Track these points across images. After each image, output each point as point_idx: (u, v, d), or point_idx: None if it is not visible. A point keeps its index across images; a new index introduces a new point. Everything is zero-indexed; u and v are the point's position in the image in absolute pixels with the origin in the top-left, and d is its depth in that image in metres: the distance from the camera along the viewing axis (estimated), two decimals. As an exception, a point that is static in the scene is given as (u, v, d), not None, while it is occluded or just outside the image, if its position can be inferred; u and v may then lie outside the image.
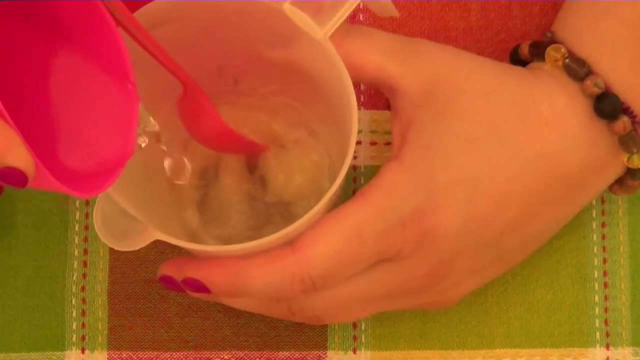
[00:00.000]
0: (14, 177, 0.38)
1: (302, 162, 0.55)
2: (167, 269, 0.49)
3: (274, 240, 0.46)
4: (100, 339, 0.56)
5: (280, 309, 0.51)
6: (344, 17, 0.47)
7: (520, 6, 0.58)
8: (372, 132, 0.57)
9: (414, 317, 0.56)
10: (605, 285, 0.57)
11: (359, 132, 0.57)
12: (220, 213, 0.55)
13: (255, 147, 0.54)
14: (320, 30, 0.47)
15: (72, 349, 0.56)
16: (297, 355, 0.56)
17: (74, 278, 0.57)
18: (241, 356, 0.56)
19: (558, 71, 0.49)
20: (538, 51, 0.51)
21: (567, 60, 0.49)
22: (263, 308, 0.51)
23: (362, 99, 0.58)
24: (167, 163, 0.51)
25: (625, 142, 0.49)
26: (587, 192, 0.51)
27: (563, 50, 0.49)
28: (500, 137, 0.48)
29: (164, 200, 0.55)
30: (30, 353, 0.56)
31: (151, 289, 0.56)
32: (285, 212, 0.55)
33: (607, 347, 0.56)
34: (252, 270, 0.47)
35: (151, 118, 0.46)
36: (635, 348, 0.56)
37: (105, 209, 0.46)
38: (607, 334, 0.56)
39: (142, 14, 0.47)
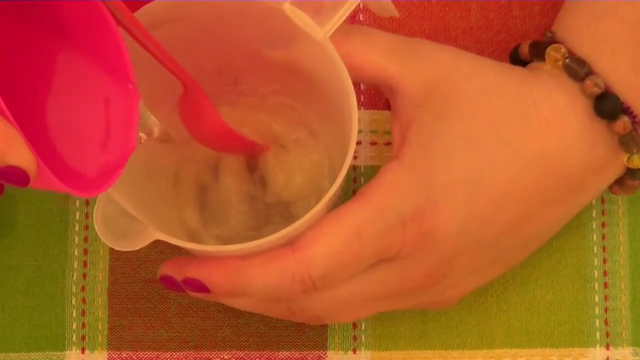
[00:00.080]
0: (15, 176, 0.38)
1: (302, 162, 0.55)
2: (167, 269, 0.49)
3: (274, 241, 0.46)
4: (100, 339, 0.56)
5: (280, 309, 0.51)
6: (344, 17, 0.47)
7: (520, 6, 0.58)
8: (372, 132, 0.57)
9: (414, 317, 0.56)
10: (605, 285, 0.57)
11: (359, 132, 0.57)
12: (220, 213, 0.55)
13: (255, 147, 0.54)
14: (320, 30, 0.47)
15: (72, 349, 0.56)
16: (297, 355, 0.56)
17: (74, 278, 0.57)
18: (241, 356, 0.56)
19: (558, 71, 0.49)
20: (538, 51, 0.51)
21: (567, 60, 0.49)
22: (263, 308, 0.51)
23: (362, 98, 0.58)
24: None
25: (625, 142, 0.49)
26: (587, 192, 0.51)
27: (563, 50, 0.49)
28: (500, 137, 0.48)
29: (164, 200, 0.55)
30: (30, 353, 0.56)
31: (151, 289, 0.56)
32: (285, 212, 0.55)
33: (607, 347, 0.56)
34: (252, 270, 0.47)
35: (152, 116, 0.46)
36: (635, 348, 0.56)
37: (105, 209, 0.46)
38: (607, 334, 0.56)
39: (142, 14, 0.47)
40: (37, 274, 0.57)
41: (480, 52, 0.57)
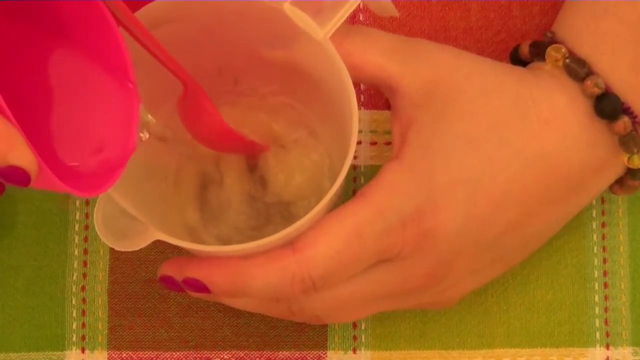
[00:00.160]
0: (16, 176, 0.38)
1: (302, 162, 0.55)
2: (168, 269, 0.49)
3: (275, 241, 0.46)
4: (100, 339, 0.56)
5: (281, 309, 0.51)
6: (345, 18, 0.47)
7: (520, 6, 0.58)
8: (372, 132, 0.57)
9: (414, 317, 0.56)
10: (605, 285, 0.57)
11: (359, 132, 0.56)
12: (220, 213, 0.55)
13: (255, 147, 0.54)
14: (320, 31, 0.47)
15: (72, 349, 0.56)
16: (297, 355, 0.56)
17: (74, 278, 0.56)
18: (241, 356, 0.56)
19: (558, 71, 0.49)
20: (538, 51, 0.51)
21: (567, 61, 0.49)
22: (263, 308, 0.51)
23: (362, 98, 0.58)
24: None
25: (626, 142, 0.49)
26: (587, 192, 0.51)
27: (563, 50, 0.49)
28: (500, 137, 0.48)
29: (164, 200, 0.55)
30: (30, 353, 0.56)
31: (151, 289, 0.56)
32: (285, 212, 0.55)
33: (607, 347, 0.56)
34: (253, 270, 0.47)
35: (150, 115, 0.46)
36: (635, 348, 0.56)
37: (105, 209, 0.46)
38: (607, 334, 0.56)
39: (142, 14, 0.47)
40: (37, 274, 0.56)
41: (480, 52, 0.57)
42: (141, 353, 0.56)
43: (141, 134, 0.45)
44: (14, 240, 0.57)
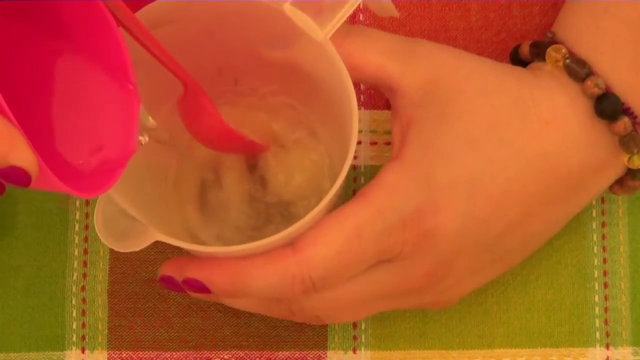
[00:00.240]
0: (17, 177, 0.38)
1: (302, 162, 0.55)
2: (168, 269, 0.49)
3: (275, 241, 0.46)
4: (100, 339, 0.56)
5: (281, 309, 0.51)
6: (345, 18, 0.47)
7: (520, 6, 0.58)
8: (372, 132, 0.57)
9: (414, 317, 0.56)
10: (605, 285, 0.57)
11: (359, 132, 0.56)
12: (220, 213, 0.55)
13: (255, 147, 0.54)
14: (320, 31, 0.47)
15: (72, 349, 0.56)
16: (297, 355, 0.56)
17: (74, 278, 0.56)
18: (241, 356, 0.56)
19: (558, 71, 0.49)
20: (538, 51, 0.51)
21: (567, 61, 0.49)
22: (263, 308, 0.51)
23: (362, 98, 0.58)
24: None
25: (626, 143, 0.49)
26: (587, 192, 0.51)
27: (564, 50, 0.49)
28: (500, 137, 0.48)
29: (164, 201, 0.55)
30: (30, 353, 0.56)
31: (151, 289, 0.56)
32: (285, 212, 0.55)
33: (607, 347, 0.56)
34: (253, 270, 0.47)
35: (150, 117, 0.46)
36: (635, 348, 0.56)
37: (105, 209, 0.46)
38: (607, 334, 0.56)
39: (142, 15, 0.47)
40: (37, 274, 0.56)
41: (480, 52, 0.57)
42: (141, 353, 0.56)
43: (141, 137, 0.45)
44: (14, 240, 0.57)
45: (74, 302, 0.56)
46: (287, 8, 0.47)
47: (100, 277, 0.57)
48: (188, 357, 0.56)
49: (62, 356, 0.56)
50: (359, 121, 0.48)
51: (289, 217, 0.54)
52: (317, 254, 0.46)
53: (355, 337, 0.56)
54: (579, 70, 0.49)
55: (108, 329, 0.56)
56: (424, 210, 0.47)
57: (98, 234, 0.46)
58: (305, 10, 0.47)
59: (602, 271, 0.57)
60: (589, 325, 0.56)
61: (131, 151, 0.44)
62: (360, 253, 0.47)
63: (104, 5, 0.43)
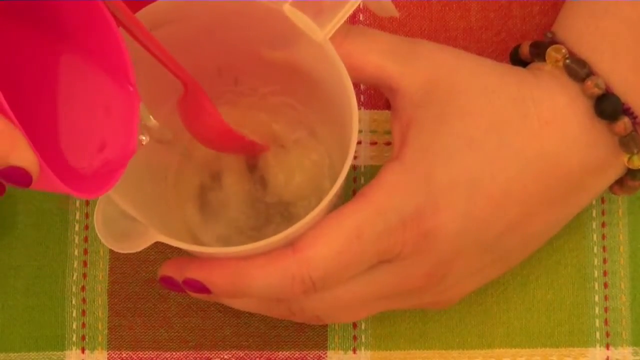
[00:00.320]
0: (18, 177, 0.38)
1: (302, 162, 0.55)
2: (168, 270, 0.49)
3: (275, 242, 0.46)
4: (100, 339, 0.56)
5: (281, 309, 0.51)
6: (344, 19, 0.47)
7: (520, 6, 0.58)
8: (372, 132, 0.57)
9: (414, 317, 0.56)
10: (605, 285, 0.57)
11: (359, 132, 0.56)
12: (220, 213, 0.55)
13: (255, 147, 0.54)
14: (320, 32, 0.47)
15: (72, 349, 0.56)
16: (297, 355, 0.56)
17: (74, 278, 0.56)
18: (241, 356, 0.56)
19: (559, 72, 0.49)
20: (539, 51, 0.51)
21: (567, 61, 0.49)
22: (263, 308, 0.51)
23: (362, 98, 0.58)
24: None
25: (626, 143, 0.49)
26: (587, 192, 0.51)
27: (564, 50, 0.49)
28: (500, 137, 0.48)
29: (164, 201, 0.55)
30: (30, 353, 0.56)
31: (151, 289, 0.56)
32: (285, 212, 0.55)
33: (607, 347, 0.56)
34: (253, 271, 0.47)
35: (151, 117, 0.46)
36: (635, 348, 0.56)
37: (106, 210, 0.46)
38: (607, 334, 0.56)
39: (142, 15, 0.47)
40: (37, 274, 0.56)
41: (480, 52, 0.57)
42: (141, 353, 0.56)
43: (141, 137, 0.45)
44: (14, 240, 0.57)
45: (74, 302, 0.56)
46: (287, 8, 0.47)
47: (100, 277, 0.57)
48: (188, 357, 0.56)
49: (62, 356, 0.56)
50: (359, 121, 0.48)
51: (289, 217, 0.54)
52: (317, 254, 0.46)
53: (355, 337, 0.56)
54: (579, 70, 0.49)
55: (108, 329, 0.56)
56: (424, 211, 0.47)
57: (98, 234, 0.46)
58: (305, 10, 0.47)
59: (602, 271, 0.57)
60: (589, 325, 0.56)
61: (132, 151, 0.44)
62: (360, 253, 0.47)
63: (104, 5, 0.43)
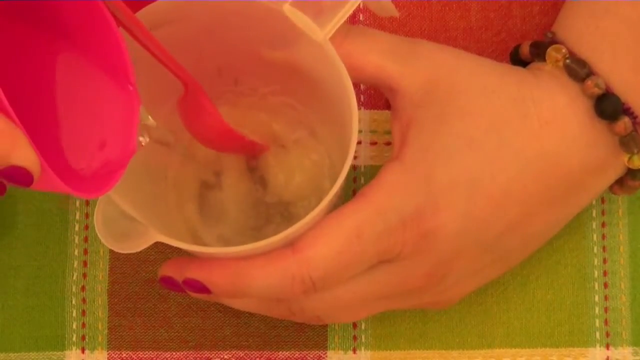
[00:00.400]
0: (19, 176, 0.38)
1: (302, 162, 0.55)
2: (168, 270, 0.49)
3: (275, 242, 0.46)
4: (100, 339, 0.56)
5: (281, 309, 0.51)
6: (344, 19, 0.47)
7: (520, 6, 0.58)
8: (372, 132, 0.57)
9: (414, 317, 0.56)
10: (605, 285, 0.57)
11: (359, 132, 0.57)
12: (220, 213, 0.55)
13: (255, 147, 0.54)
14: (320, 32, 0.47)
15: (72, 349, 0.56)
16: (297, 355, 0.56)
17: (74, 278, 0.56)
18: (241, 356, 0.56)
19: (559, 72, 0.49)
20: (539, 51, 0.51)
21: (567, 61, 0.49)
22: (263, 308, 0.51)
23: (362, 98, 0.58)
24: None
25: (626, 143, 0.49)
26: (587, 192, 0.51)
27: (564, 50, 0.49)
28: (500, 137, 0.48)
29: (164, 201, 0.55)
30: (30, 353, 0.56)
31: (151, 289, 0.56)
32: (285, 212, 0.55)
33: (607, 347, 0.56)
34: (253, 271, 0.47)
35: (150, 118, 0.46)
36: (635, 348, 0.56)
37: (106, 210, 0.46)
38: (607, 334, 0.56)
39: (143, 14, 0.47)
40: (37, 274, 0.56)
41: (480, 52, 0.57)
42: (141, 353, 0.56)
43: (141, 138, 0.45)
44: (14, 240, 0.57)
45: (74, 302, 0.56)
46: (287, 9, 0.47)
47: (100, 277, 0.57)
48: (188, 357, 0.56)
49: (62, 356, 0.56)
50: (359, 121, 0.48)
51: (289, 217, 0.54)
52: (317, 254, 0.46)
53: (355, 337, 0.56)
54: (579, 70, 0.49)
55: (108, 329, 0.56)
56: (424, 211, 0.47)
57: (98, 234, 0.46)
58: (305, 10, 0.47)
59: (602, 271, 0.57)
60: (589, 325, 0.56)
61: (132, 152, 0.44)
62: (360, 253, 0.47)
63: (104, 5, 0.43)
